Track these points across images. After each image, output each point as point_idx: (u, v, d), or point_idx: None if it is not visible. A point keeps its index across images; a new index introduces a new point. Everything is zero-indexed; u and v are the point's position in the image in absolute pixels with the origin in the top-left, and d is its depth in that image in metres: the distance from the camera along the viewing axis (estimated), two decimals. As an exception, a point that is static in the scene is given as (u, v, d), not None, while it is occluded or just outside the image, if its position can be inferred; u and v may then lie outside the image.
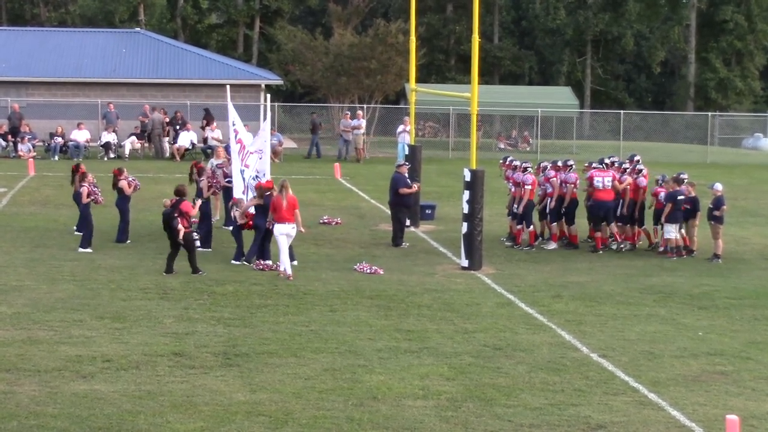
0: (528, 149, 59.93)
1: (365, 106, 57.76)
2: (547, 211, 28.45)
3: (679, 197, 27.15)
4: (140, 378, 16.11)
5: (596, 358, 17.85)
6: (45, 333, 18.57)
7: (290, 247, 24.97)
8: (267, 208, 24.70)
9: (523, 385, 16.17)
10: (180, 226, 23.50)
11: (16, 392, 15.25)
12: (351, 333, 19.07)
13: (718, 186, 27.53)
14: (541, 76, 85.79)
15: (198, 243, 23.90)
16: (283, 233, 23.81)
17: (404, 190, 28.34)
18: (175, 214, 23.52)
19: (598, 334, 19.49)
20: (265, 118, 28.58)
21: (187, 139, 49.94)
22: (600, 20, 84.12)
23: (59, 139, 50.07)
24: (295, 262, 24.88)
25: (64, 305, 20.68)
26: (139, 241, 27.26)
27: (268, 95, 29.97)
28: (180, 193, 23.97)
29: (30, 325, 19.12)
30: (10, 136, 50.75)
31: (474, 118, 26.00)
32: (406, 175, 28.70)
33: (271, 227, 24.31)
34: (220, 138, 48.12)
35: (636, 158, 29.27)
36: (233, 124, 27.86)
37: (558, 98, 63.53)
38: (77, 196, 26.89)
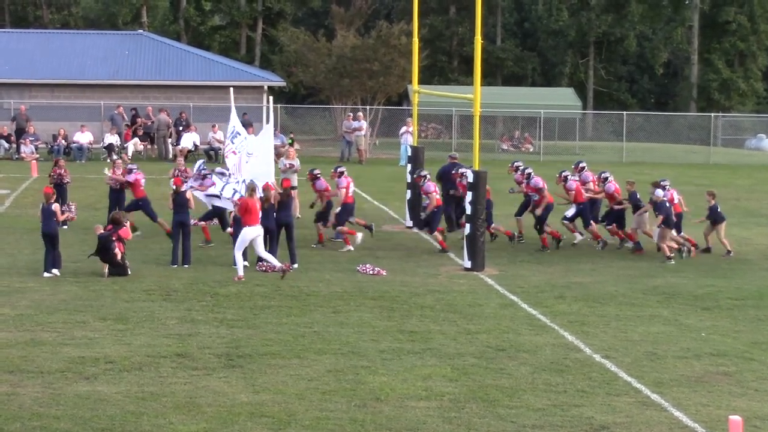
0: (531, 150, 59.93)
1: (368, 107, 57.79)
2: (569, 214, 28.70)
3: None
4: (143, 379, 16.12)
5: (599, 359, 17.85)
6: (48, 334, 18.59)
7: (291, 249, 25.09)
8: (270, 210, 24.86)
9: (526, 386, 16.17)
10: (117, 250, 23.66)
11: (20, 394, 15.26)
12: (354, 334, 19.07)
13: (659, 192, 27.39)
14: (543, 78, 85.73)
15: (129, 271, 23.90)
16: (257, 235, 23.98)
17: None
18: (114, 238, 23.70)
19: (601, 335, 19.49)
20: (267, 120, 28.59)
21: (189, 140, 49.95)
22: (602, 22, 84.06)
23: (62, 141, 50.13)
24: (296, 265, 24.93)
25: (67, 307, 20.70)
26: (142, 243, 27.23)
27: (270, 97, 29.96)
28: (116, 221, 24.14)
29: (33, 326, 19.14)
30: (13, 138, 50.87)
31: (477, 120, 25.99)
32: None
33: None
34: (222, 140, 48.15)
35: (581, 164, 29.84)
36: (233, 128, 27.89)
37: (561, 99, 63.51)
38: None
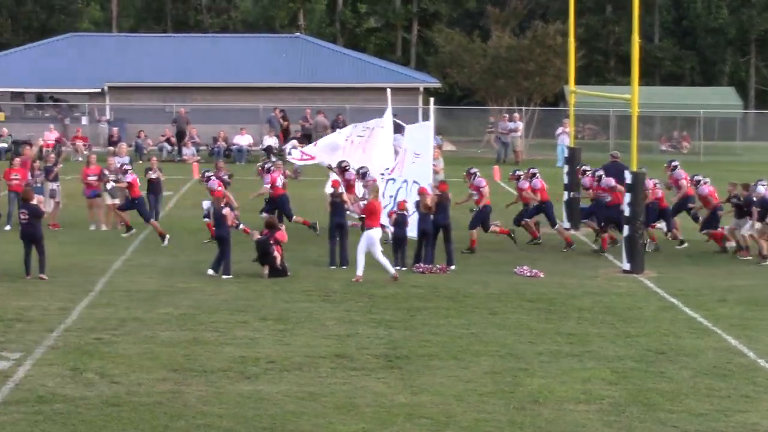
0: (686, 150, 59.05)
1: (523, 108, 57.55)
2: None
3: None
4: (303, 379, 16.31)
5: (764, 363, 17.48)
6: (210, 334, 18.92)
7: (449, 251, 25.16)
8: (427, 213, 25.01)
9: (688, 391, 15.92)
10: (276, 254, 23.97)
11: (184, 392, 15.58)
12: (511, 336, 19.01)
13: (761, 189, 26.86)
14: (702, 77, 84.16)
15: (289, 272, 24.17)
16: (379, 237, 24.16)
17: None
18: (271, 241, 24.00)
19: (766, 339, 19.07)
20: (426, 121, 28.73)
21: (345, 142, 50.33)
22: (764, 19, 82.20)
23: (222, 144, 51.07)
24: (453, 267, 24.97)
25: (228, 307, 21.05)
26: (300, 245, 27.51)
27: (432, 99, 29.99)
28: (271, 225, 24.48)
29: (195, 326, 19.50)
30: (174, 140, 52.07)
31: (635, 120, 25.69)
32: None
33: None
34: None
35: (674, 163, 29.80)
36: (382, 127, 28.11)
37: (721, 99, 62.40)
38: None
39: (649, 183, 28.05)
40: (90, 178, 31.05)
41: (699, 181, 28.49)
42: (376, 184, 25.62)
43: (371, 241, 23.77)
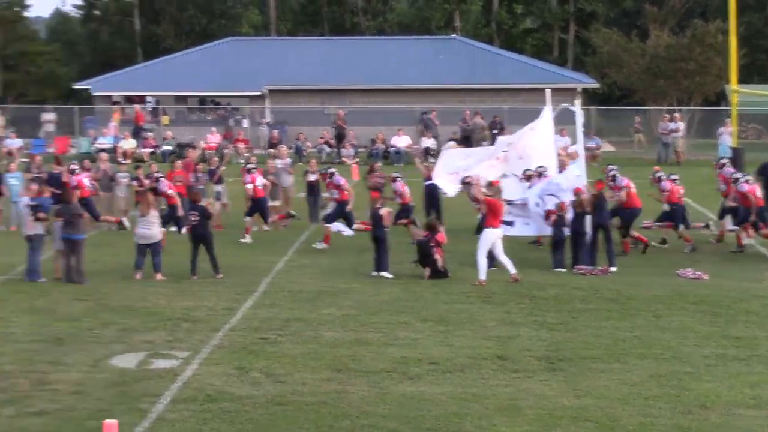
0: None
1: (683, 108, 56.71)
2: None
3: None
4: (465, 381, 16.31)
5: None
6: (372, 335, 19.04)
7: (610, 251, 24.91)
8: (582, 214, 24.86)
9: None
10: (437, 256, 23.98)
11: (348, 392, 15.71)
12: (676, 339, 18.74)
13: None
14: None
15: (449, 274, 24.15)
16: (499, 237, 23.77)
17: None
18: (432, 243, 24.00)
19: None
20: (578, 124, 28.71)
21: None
22: None
23: (380, 145, 51.41)
24: (614, 268, 24.70)
25: (389, 308, 21.16)
26: (462, 245, 27.52)
27: (578, 101, 29.73)
28: (431, 227, 24.56)
29: (358, 326, 19.65)
30: (333, 142, 52.64)
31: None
32: None
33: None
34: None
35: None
36: (531, 128, 28.03)
37: None
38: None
39: (667, 184, 27.62)
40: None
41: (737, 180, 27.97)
42: (499, 186, 25.55)
43: (489, 240, 23.57)
